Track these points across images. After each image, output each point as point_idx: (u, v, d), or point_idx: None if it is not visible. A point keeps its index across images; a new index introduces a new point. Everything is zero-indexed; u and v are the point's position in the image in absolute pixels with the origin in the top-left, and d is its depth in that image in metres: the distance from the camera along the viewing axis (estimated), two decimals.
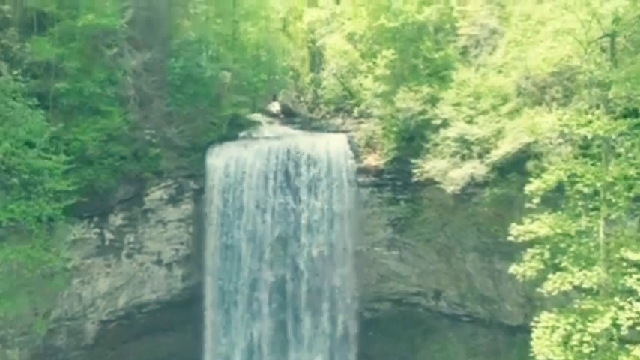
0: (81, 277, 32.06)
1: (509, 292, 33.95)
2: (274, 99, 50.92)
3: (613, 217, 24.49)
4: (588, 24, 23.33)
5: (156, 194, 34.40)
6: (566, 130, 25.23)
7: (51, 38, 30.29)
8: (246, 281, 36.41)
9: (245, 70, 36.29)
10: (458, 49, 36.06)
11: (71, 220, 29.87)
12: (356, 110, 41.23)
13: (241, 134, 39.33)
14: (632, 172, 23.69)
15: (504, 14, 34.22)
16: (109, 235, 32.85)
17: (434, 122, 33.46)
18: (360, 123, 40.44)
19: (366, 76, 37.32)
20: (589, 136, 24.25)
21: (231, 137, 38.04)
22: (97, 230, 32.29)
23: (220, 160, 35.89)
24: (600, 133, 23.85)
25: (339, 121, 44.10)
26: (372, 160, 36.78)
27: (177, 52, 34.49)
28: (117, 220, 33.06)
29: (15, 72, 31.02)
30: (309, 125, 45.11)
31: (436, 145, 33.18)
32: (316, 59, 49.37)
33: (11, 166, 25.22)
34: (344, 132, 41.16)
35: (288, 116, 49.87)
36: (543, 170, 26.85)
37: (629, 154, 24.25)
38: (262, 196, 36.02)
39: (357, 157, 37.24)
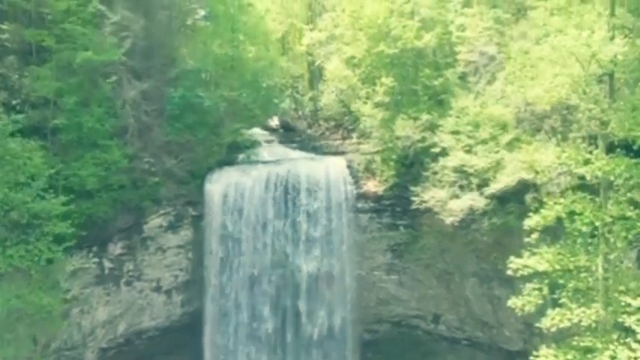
0: (80, 307, 31.98)
1: (508, 319, 33.90)
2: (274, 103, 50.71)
3: (612, 256, 24.56)
4: (587, 64, 23.33)
5: (155, 222, 34.38)
6: (564, 169, 25.25)
7: (50, 69, 30.17)
8: (245, 306, 36.46)
9: (244, 97, 36.16)
10: (457, 73, 35.99)
11: (70, 251, 29.78)
12: (355, 133, 41.26)
13: (240, 156, 39.21)
14: (630, 213, 23.73)
15: (503, 41, 34.12)
16: (108, 264, 32.82)
17: (433, 150, 33.39)
18: (359, 144, 40.45)
19: (365, 102, 37.20)
20: (588, 177, 24.26)
21: (230, 160, 38.01)
22: (96, 260, 32.23)
23: (219, 186, 35.91)
24: (599, 173, 23.92)
25: (338, 141, 44.09)
26: (372, 186, 36.80)
27: (176, 80, 34.44)
28: (116, 248, 33.03)
29: (14, 102, 31.32)
30: (308, 145, 45.02)
31: (435, 173, 33.16)
32: (315, 76, 49.43)
33: (10, 210, 25.14)
34: (343, 153, 41.29)
35: (287, 131, 49.92)
36: (542, 204, 26.92)
37: (628, 194, 24.28)
38: (261, 221, 36.09)
39: (356, 182, 37.28)
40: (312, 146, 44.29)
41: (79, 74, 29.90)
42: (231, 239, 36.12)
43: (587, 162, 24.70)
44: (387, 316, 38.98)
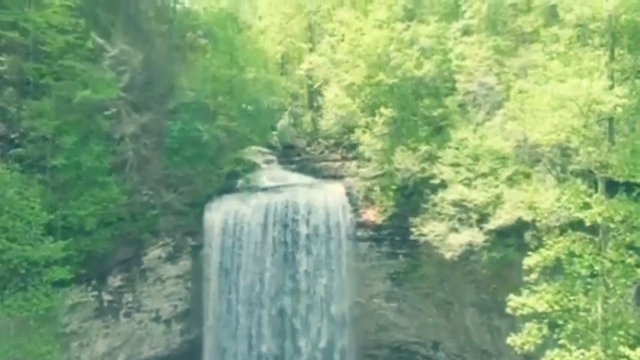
0: (79, 341, 31.85)
1: (507, 349, 33.68)
2: (273, 129, 50.78)
3: (611, 301, 24.54)
4: (587, 109, 23.30)
5: (154, 253, 34.35)
6: (564, 213, 25.20)
7: (49, 105, 29.99)
8: (244, 335, 36.44)
9: (242, 128, 36.05)
10: (457, 101, 35.88)
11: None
12: (354, 152, 41.05)
13: (239, 182, 39.05)
14: (630, 259, 23.70)
15: (503, 71, 34.02)
16: (107, 297, 32.74)
17: (432, 181, 33.34)
18: (359, 167, 40.32)
19: (364, 132, 37.11)
20: (587, 223, 24.21)
21: (229, 186, 37.95)
22: (95, 293, 32.14)
23: (219, 215, 35.85)
24: (599, 220, 23.89)
25: (337, 162, 43.91)
26: (371, 216, 36.75)
27: (175, 112, 34.32)
28: (115, 281, 32.97)
29: (12, 135, 31.24)
30: (307, 166, 44.86)
31: (434, 204, 33.10)
32: (315, 96, 49.32)
33: (8, 258, 24.97)
34: (342, 177, 41.27)
35: (286, 148, 49.69)
36: (541, 242, 26.93)
37: (627, 236, 24.25)
38: (261, 250, 36.05)
39: (355, 210, 37.28)
40: (311, 168, 44.21)
41: (78, 112, 29.70)
42: (231, 268, 36.08)
43: (586, 205, 24.71)
44: (386, 342, 39.01)
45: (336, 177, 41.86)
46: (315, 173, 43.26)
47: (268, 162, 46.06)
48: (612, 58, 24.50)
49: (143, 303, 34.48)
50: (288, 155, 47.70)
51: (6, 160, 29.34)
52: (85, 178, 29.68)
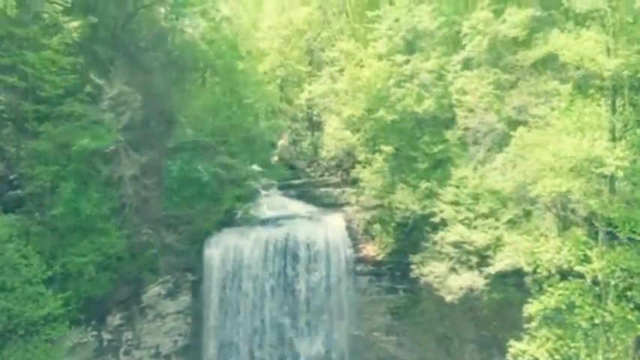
0: None
1: None
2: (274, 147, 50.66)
3: (612, 355, 24.50)
4: (588, 167, 23.26)
5: (154, 290, 34.29)
6: (565, 266, 25.13)
7: (47, 144, 29.85)
8: None
9: (242, 164, 35.92)
10: (457, 135, 35.71)
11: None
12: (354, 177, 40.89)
13: (239, 213, 38.84)
14: (631, 316, 23.66)
15: (502, 108, 33.86)
16: (106, 336, 32.66)
17: (432, 219, 33.24)
18: (359, 195, 40.17)
19: (364, 167, 37.00)
20: (588, 280, 24.17)
21: (228, 219, 37.76)
22: (95, 333, 32.07)
23: (218, 251, 35.77)
24: (599, 276, 23.86)
25: (337, 189, 43.77)
26: (371, 251, 36.73)
27: (176, 150, 34.19)
28: (115, 320, 32.90)
29: (11, 177, 31.13)
30: (307, 193, 44.69)
31: (435, 243, 33.04)
32: (314, 122, 49.13)
33: (7, 318, 24.82)
34: (342, 205, 41.20)
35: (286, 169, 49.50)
36: (541, 287, 26.93)
37: (628, 292, 24.22)
38: (261, 285, 36.03)
39: (355, 245, 37.22)
40: (311, 195, 44.04)
41: (76, 160, 29.54)
42: (230, 303, 36.05)
43: (587, 258, 24.67)
44: None
45: (336, 205, 41.80)
46: (315, 200, 43.16)
47: (267, 187, 45.83)
48: (614, 110, 24.44)
49: (143, 340, 34.36)
50: (288, 178, 47.52)
51: (4, 201, 29.39)
52: (84, 225, 29.49)
